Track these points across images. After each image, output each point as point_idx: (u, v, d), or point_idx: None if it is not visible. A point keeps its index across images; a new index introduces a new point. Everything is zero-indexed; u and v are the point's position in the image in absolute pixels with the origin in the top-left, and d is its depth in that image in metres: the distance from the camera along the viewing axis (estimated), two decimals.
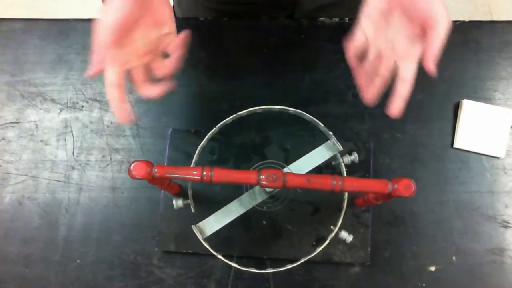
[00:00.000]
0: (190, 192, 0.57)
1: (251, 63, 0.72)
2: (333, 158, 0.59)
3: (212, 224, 0.55)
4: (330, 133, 0.56)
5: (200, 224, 0.54)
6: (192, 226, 0.53)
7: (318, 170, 0.64)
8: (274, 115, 0.68)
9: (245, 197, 0.57)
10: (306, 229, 0.63)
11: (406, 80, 0.49)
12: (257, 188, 0.59)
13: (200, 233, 0.53)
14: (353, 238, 0.57)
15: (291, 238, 0.63)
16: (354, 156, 0.59)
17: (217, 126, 0.56)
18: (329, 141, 0.58)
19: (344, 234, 0.56)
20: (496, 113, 0.68)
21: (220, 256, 0.53)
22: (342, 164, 0.58)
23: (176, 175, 0.46)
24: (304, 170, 0.57)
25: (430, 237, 0.65)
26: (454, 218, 0.65)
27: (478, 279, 0.63)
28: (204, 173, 0.46)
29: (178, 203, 0.56)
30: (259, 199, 0.58)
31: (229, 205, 0.56)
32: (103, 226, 0.66)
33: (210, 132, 0.57)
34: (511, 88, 0.70)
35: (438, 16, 0.46)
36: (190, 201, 0.56)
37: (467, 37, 0.72)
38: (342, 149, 0.57)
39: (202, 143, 0.57)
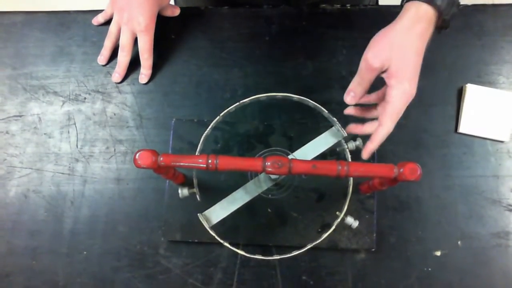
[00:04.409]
0: (195, 181, 0.57)
1: (253, 51, 0.71)
2: (338, 144, 0.59)
3: (218, 212, 0.55)
4: (334, 119, 0.56)
5: (206, 212, 0.54)
6: (198, 214, 0.53)
7: (323, 157, 0.64)
8: (278, 103, 0.68)
9: (250, 185, 0.57)
10: (311, 216, 0.64)
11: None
12: (262, 175, 0.59)
13: (206, 221, 0.53)
14: (358, 224, 0.57)
15: (296, 225, 0.63)
16: (359, 142, 0.59)
17: (220, 114, 0.56)
18: (333, 127, 0.58)
19: (350, 220, 0.56)
20: (500, 97, 0.68)
21: (226, 244, 0.53)
22: (347, 150, 0.58)
23: (181, 164, 0.46)
24: (309, 157, 0.57)
25: (435, 222, 0.65)
26: (459, 202, 0.65)
27: (484, 263, 0.63)
28: (210, 161, 0.46)
29: (183, 192, 0.56)
30: (264, 187, 0.58)
31: (234, 193, 0.56)
32: (108, 218, 0.66)
33: (214, 121, 0.57)
34: None
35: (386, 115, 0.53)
36: (195, 189, 0.56)
37: (470, 21, 0.72)
38: (346, 134, 0.57)
39: (206, 131, 0.57)
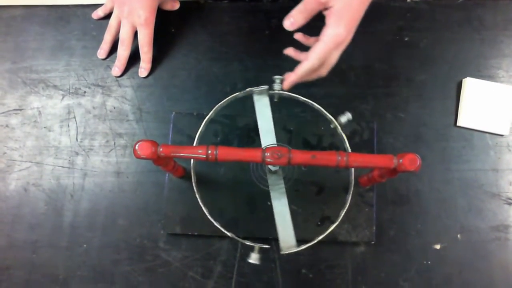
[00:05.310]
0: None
1: (252, 45, 0.71)
2: (272, 96, 0.58)
3: (287, 235, 0.54)
4: (249, 89, 0.56)
5: (282, 247, 0.53)
6: (281, 253, 0.53)
7: (322, 149, 0.64)
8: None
9: (273, 193, 0.56)
10: (311, 209, 0.64)
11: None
12: (268, 177, 0.58)
13: (288, 249, 0.53)
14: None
15: (296, 219, 0.63)
16: (278, 80, 0.57)
17: (204, 120, 0.55)
18: (254, 94, 0.58)
19: (343, 117, 0.54)
20: (500, 91, 0.68)
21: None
22: (281, 91, 0.57)
23: (181, 154, 0.46)
24: (270, 126, 0.57)
25: (434, 216, 0.65)
26: (459, 196, 0.65)
27: (483, 256, 0.64)
28: (209, 151, 0.46)
29: (253, 257, 0.53)
30: (281, 182, 0.57)
31: (274, 210, 0.55)
32: (108, 211, 0.66)
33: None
34: None
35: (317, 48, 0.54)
36: (259, 245, 0.53)
37: (470, 15, 0.72)
38: (267, 86, 0.56)
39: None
